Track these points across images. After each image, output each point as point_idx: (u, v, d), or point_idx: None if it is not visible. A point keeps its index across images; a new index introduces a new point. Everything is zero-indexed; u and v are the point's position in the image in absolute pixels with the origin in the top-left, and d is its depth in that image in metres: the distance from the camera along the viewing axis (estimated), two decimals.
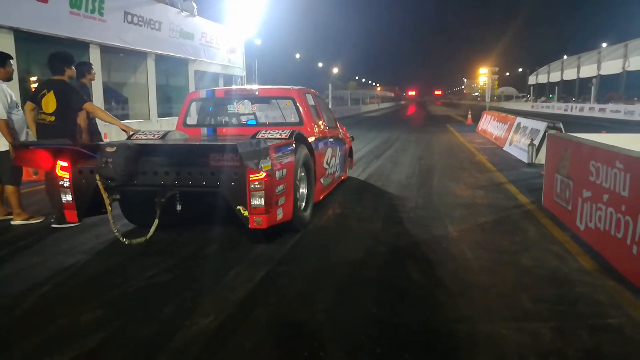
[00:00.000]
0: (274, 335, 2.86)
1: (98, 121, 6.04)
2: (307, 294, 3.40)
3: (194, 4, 15.46)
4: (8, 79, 5.34)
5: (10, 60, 5.37)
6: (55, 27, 9.58)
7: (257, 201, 3.95)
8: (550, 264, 3.89)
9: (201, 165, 4.09)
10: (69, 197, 4.28)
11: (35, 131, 5.28)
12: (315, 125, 5.98)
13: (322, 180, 5.87)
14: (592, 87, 41.06)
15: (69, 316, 3.05)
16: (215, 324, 2.93)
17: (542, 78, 56.77)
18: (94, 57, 10.57)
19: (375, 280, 3.67)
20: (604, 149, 4.13)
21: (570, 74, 47.52)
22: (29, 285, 3.58)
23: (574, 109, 39.39)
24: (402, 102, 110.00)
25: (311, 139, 5.40)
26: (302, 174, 4.99)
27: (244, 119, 6.32)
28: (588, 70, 42.63)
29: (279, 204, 4.21)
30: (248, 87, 7.20)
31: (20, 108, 5.40)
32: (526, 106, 53.83)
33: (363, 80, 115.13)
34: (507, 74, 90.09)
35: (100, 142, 5.34)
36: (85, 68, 6.17)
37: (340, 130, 7.43)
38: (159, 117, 13.51)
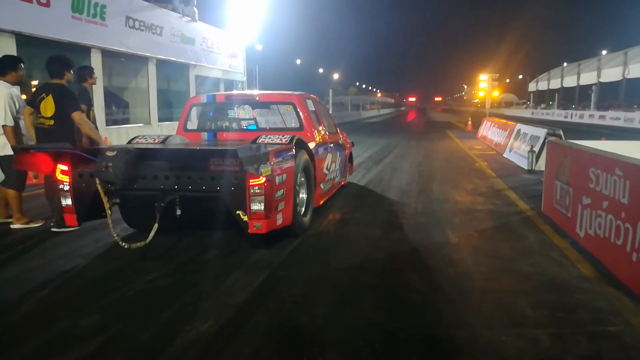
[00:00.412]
0: (273, 340, 2.86)
1: (98, 125, 6.03)
2: (307, 299, 3.40)
3: (195, 9, 15.53)
4: (18, 82, 5.31)
5: (21, 64, 5.32)
6: (57, 31, 9.61)
7: (257, 206, 3.96)
8: (550, 271, 3.89)
9: (201, 169, 4.09)
10: (69, 201, 4.29)
11: (34, 135, 5.25)
12: (316, 131, 5.99)
13: (322, 185, 5.88)
14: (592, 95, 41.14)
15: (68, 320, 3.05)
16: (215, 329, 2.92)
17: (542, 85, 56.86)
18: (96, 62, 10.59)
19: (374, 285, 3.67)
20: (604, 156, 4.14)
21: (570, 81, 47.58)
22: (28, 288, 3.57)
23: (574, 116, 39.44)
24: (403, 108, 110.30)
25: (311, 145, 5.41)
26: (302, 179, 5.00)
27: (244, 124, 6.33)
28: (588, 78, 42.69)
29: (279, 209, 4.21)
30: (249, 92, 7.22)
31: None
32: (526, 113, 53.87)
33: (363, 86, 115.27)
34: (508, 80, 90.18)
35: (101, 146, 5.35)
36: (86, 72, 6.19)
37: (341, 136, 7.44)
38: (159, 121, 13.52)
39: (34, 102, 5.16)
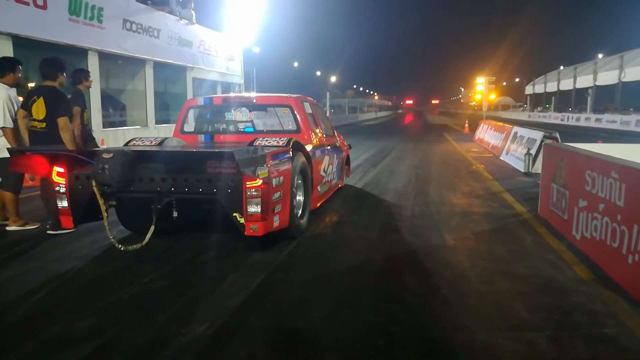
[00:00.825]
0: (269, 343, 2.85)
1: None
2: (304, 301, 3.40)
3: (192, 12, 15.51)
4: (16, 85, 5.27)
5: (19, 66, 5.28)
6: (54, 33, 9.58)
7: (254, 208, 3.95)
8: (547, 273, 3.90)
9: (198, 172, 4.09)
10: (65, 203, 4.27)
11: (27, 138, 5.20)
12: (313, 133, 6.00)
13: (319, 187, 5.87)
14: (589, 98, 41.24)
15: (64, 323, 3.04)
16: (211, 332, 2.91)
17: (539, 88, 57.02)
18: (93, 64, 10.57)
19: (371, 288, 3.67)
20: (600, 159, 4.16)
21: (566, 84, 47.72)
22: (24, 291, 3.56)
23: (571, 119, 39.57)
24: (400, 111, 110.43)
25: (308, 147, 5.41)
26: (299, 181, 5.00)
27: (241, 126, 6.33)
28: (584, 81, 42.82)
29: (276, 211, 4.21)
30: (246, 94, 7.21)
31: None
32: (523, 116, 54.04)
33: (361, 88, 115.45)
34: (505, 83, 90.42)
35: (97, 149, 5.33)
36: (82, 75, 6.17)
37: (338, 138, 7.45)
38: (156, 123, 13.50)
39: (26, 104, 5.10)
